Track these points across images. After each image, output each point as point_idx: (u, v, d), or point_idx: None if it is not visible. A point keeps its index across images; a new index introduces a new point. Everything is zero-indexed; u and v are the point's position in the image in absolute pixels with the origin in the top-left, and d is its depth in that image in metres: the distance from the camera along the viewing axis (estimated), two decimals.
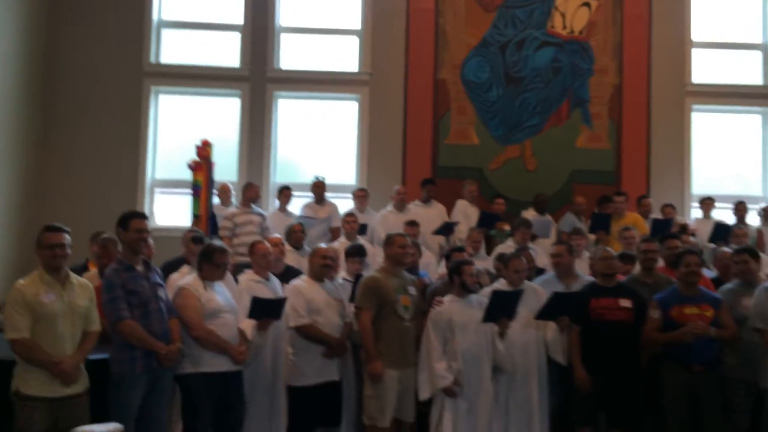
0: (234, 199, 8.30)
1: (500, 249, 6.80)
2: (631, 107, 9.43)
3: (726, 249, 6.15)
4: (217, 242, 5.09)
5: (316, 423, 4.97)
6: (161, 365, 4.32)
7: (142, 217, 4.52)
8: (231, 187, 8.29)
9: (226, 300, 4.79)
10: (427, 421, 5.05)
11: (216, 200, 7.81)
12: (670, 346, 4.81)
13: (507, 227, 7.77)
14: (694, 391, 4.71)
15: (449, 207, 8.42)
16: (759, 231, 7.56)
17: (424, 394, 4.88)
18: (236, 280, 5.38)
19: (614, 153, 9.36)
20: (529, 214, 8.18)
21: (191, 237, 5.52)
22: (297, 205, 8.29)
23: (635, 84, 9.44)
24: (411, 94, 9.36)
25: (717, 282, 5.71)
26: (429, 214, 8.09)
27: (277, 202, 8.33)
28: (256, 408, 5.01)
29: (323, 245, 5.37)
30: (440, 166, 9.26)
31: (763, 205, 8.48)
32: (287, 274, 5.55)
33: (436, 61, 9.39)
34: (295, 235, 6.63)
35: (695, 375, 4.70)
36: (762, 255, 6.00)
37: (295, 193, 8.39)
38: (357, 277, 5.31)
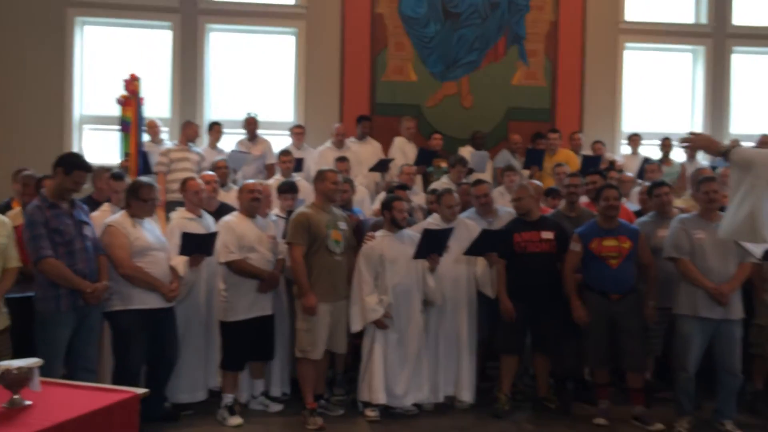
0: (165, 136, 8.10)
1: (435, 186, 6.88)
2: (567, 44, 9.51)
3: (646, 183, 6.37)
4: (143, 178, 5.00)
5: (249, 357, 5.05)
6: (87, 303, 4.27)
7: (87, 170, 4.40)
8: (159, 123, 8.06)
9: (156, 237, 4.74)
10: (359, 352, 5.19)
11: (146, 137, 7.62)
12: (589, 276, 5.01)
13: (444, 164, 7.86)
14: (612, 317, 4.94)
15: (388, 144, 8.43)
16: (683, 166, 7.83)
17: (355, 327, 5.00)
18: (168, 218, 5.32)
19: (549, 90, 9.47)
20: (466, 151, 8.27)
21: (111, 174, 5.39)
22: (231, 142, 8.14)
23: (571, 21, 9.51)
24: (348, 28, 9.21)
25: (639, 215, 5.94)
26: (365, 151, 8.10)
27: (207, 139, 8.17)
28: (191, 344, 5.04)
29: (252, 181, 5.34)
30: (378, 103, 9.21)
31: None
32: (221, 212, 5.50)
33: None
34: (219, 171, 6.53)
35: (614, 302, 4.93)
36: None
37: (230, 130, 8.25)
38: (289, 213, 5.31)
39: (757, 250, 3.35)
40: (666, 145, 8.28)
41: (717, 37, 9.82)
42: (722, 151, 2.43)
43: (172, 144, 7.62)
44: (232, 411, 4.89)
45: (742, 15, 9.92)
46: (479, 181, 5.80)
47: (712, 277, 4.70)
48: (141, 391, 2.97)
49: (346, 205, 5.77)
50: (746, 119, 9.89)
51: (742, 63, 10.00)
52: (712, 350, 4.79)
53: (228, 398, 4.93)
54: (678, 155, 8.36)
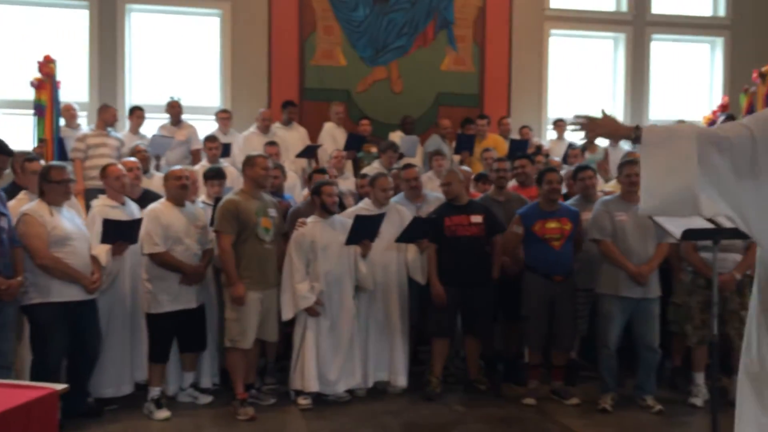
0: (82, 121, 7.77)
1: (366, 171, 6.86)
2: (494, 30, 9.61)
3: (571, 167, 6.53)
4: (53, 162, 4.77)
5: (180, 348, 4.93)
6: (1, 299, 4.06)
7: (8, 154, 4.19)
8: (76, 107, 7.72)
9: (75, 226, 4.54)
10: (290, 340, 5.14)
11: (62, 122, 7.29)
12: (532, 258, 5.10)
13: (374, 149, 7.84)
14: (552, 299, 5.05)
15: (317, 129, 8.34)
16: (606, 150, 8.06)
17: (287, 315, 4.94)
18: (89, 206, 5.11)
19: (478, 76, 9.56)
20: (396, 136, 8.27)
21: (25, 158, 5.12)
22: (153, 127, 7.88)
23: (498, 7, 9.61)
24: (275, 11, 9.04)
25: (566, 198, 6.08)
26: (291, 137, 8.00)
27: (128, 124, 7.89)
28: (115, 337, 4.86)
29: (178, 167, 5.18)
30: (307, 88, 9.10)
31: None
32: (145, 199, 5.32)
33: None
34: (139, 156, 6.27)
35: (555, 284, 5.04)
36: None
37: (152, 115, 7.98)
38: (216, 200, 5.18)
39: (676, 230, 3.46)
40: None
41: (637, 25, 10.13)
42: (630, 135, 2.43)
43: (89, 129, 7.30)
44: (159, 404, 4.76)
45: (661, 4, 10.25)
46: (409, 165, 5.82)
47: (632, 257, 4.87)
48: (60, 386, 2.83)
49: (277, 192, 5.68)
50: (664, 105, 10.25)
51: (661, 50, 10.34)
52: (631, 327, 4.97)
53: (154, 391, 4.79)
54: (603, 140, 8.60)
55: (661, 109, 10.16)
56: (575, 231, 5.13)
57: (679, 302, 5.23)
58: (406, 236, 5.08)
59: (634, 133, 2.39)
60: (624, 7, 10.14)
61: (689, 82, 10.50)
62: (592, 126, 2.48)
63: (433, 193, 5.85)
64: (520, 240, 5.16)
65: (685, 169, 2.20)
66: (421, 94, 9.39)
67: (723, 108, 9.06)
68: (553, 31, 9.90)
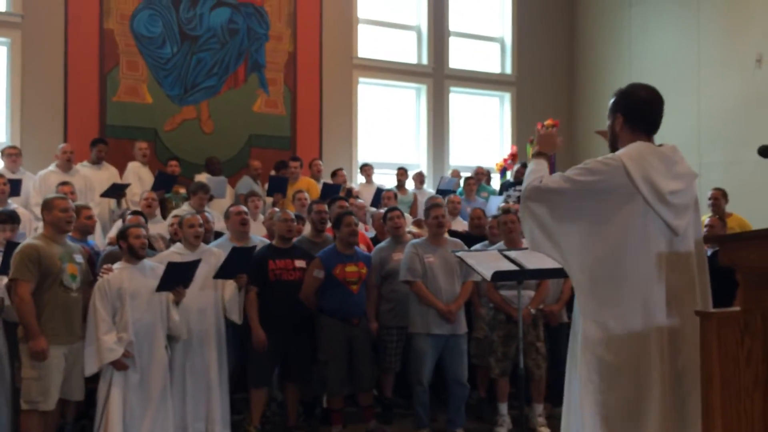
0: None
1: (176, 213, 6.60)
2: (305, 75, 9.82)
3: (381, 211, 6.79)
4: None
5: None
6: None
7: None
8: None
9: None
10: (92, 396, 4.74)
11: None
12: (329, 302, 5.18)
13: (183, 190, 7.59)
14: (350, 340, 5.16)
15: (121, 168, 7.91)
16: (414, 194, 8.51)
17: (90, 369, 4.53)
18: None
19: (290, 119, 9.68)
20: (202, 177, 8.08)
21: None
22: None
23: (308, 53, 9.85)
24: (72, 42, 8.49)
25: (375, 240, 6.30)
26: (99, 177, 7.52)
27: None
28: None
29: None
30: (109, 125, 8.61)
31: (417, 171, 9.56)
32: None
33: (101, 8, 8.64)
34: None
35: (352, 326, 5.16)
36: (408, 216, 6.80)
37: None
38: (8, 245, 4.69)
39: (486, 272, 3.76)
40: (401, 174, 8.91)
41: (436, 77, 10.89)
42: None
43: None
44: None
45: (457, 59, 11.13)
46: (235, 204, 5.70)
47: (440, 296, 5.16)
48: None
49: (84, 237, 5.28)
50: (463, 151, 11.07)
51: (459, 102, 11.20)
52: (442, 363, 5.23)
53: None
54: (411, 185, 9.06)
55: (460, 155, 10.96)
56: (369, 275, 5.33)
57: (481, 336, 5.61)
58: (225, 271, 4.92)
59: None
60: (425, 60, 10.86)
61: (484, 132, 11.45)
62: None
63: (256, 236, 5.76)
64: (319, 283, 5.17)
65: (522, 211, 2.62)
66: (233, 135, 9.29)
67: (513, 156, 9.99)
68: (361, 79, 10.33)
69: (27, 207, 6.66)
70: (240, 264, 4.95)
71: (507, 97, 11.51)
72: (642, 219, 2.45)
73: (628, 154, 2.51)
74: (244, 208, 5.68)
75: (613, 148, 2.66)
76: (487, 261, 3.88)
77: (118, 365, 4.55)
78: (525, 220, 2.60)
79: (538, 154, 2.76)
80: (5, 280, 4.49)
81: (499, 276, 3.85)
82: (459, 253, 4.87)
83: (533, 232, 2.57)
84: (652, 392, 2.40)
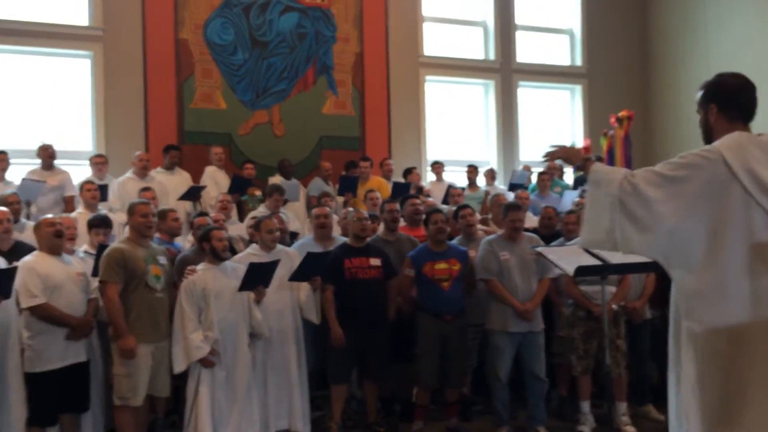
0: None
1: (253, 214, 6.76)
2: (372, 76, 9.88)
3: (452, 207, 6.77)
4: None
5: (62, 410, 4.56)
6: None
7: None
8: None
9: None
10: (180, 393, 4.91)
11: None
12: (423, 299, 5.19)
13: (258, 192, 7.75)
14: (443, 337, 5.15)
15: (198, 173, 8.15)
16: (486, 191, 8.43)
17: (179, 367, 4.69)
18: None
19: (359, 119, 9.76)
20: (276, 180, 8.24)
21: None
22: (18, 174, 7.36)
23: (375, 53, 9.91)
24: (150, 53, 8.81)
25: (450, 238, 6.27)
26: (173, 182, 7.76)
27: None
28: None
29: (50, 215, 4.86)
30: (187, 131, 8.90)
31: (488, 168, 9.49)
32: (16, 251, 4.94)
33: (176, 19, 8.93)
34: (12, 207, 5.85)
35: (446, 323, 5.14)
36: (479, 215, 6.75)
37: (17, 161, 7.47)
38: (100, 248, 4.91)
39: (569, 267, 3.69)
40: (471, 171, 8.86)
41: (504, 72, 10.77)
42: (579, 163, 2.70)
43: None
44: None
45: (525, 53, 10.98)
46: (319, 204, 5.79)
47: (517, 293, 5.11)
48: None
49: (172, 239, 5.48)
50: (533, 147, 10.90)
51: (527, 96, 11.04)
52: (520, 359, 5.18)
53: None
54: (481, 181, 8.99)
55: (530, 151, 10.80)
56: (464, 271, 5.29)
57: (563, 335, 5.52)
58: (300, 274, 5.01)
59: (581, 163, 2.67)
60: (492, 56, 10.75)
61: (554, 126, 11.25)
62: (558, 151, 2.76)
63: (341, 237, 5.84)
64: (411, 282, 5.26)
65: (607, 211, 2.43)
66: (304, 137, 9.44)
67: (586, 150, 9.76)
68: (428, 77, 10.31)
69: (111, 211, 6.93)
70: (314, 268, 5.04)
71: (578, 89, 11.28)
72: (744, 211, 2.34)
73: (727, 144, 2.40)
74: (325, 210, 5.74)
75: (707, 141, 2.56)
76: (568, 256, 3.82)
77: (205, 363, 4.70)
78: (615, 222, 2.46)
79: (585, 164, 2.65)
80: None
81: (583, 271, 3.77)
82: (539, 249, 4.80)
83: (626, 231, 2.41)
84: (757, 388, 2.30)
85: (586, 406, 5.28)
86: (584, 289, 5.19)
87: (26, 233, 5.60)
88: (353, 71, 9.81)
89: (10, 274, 4.32)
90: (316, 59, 9.61)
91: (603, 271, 3.79)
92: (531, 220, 6.96)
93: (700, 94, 2.59)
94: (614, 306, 5.14)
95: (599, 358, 5.19)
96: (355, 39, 9.82)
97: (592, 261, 3.68)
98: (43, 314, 4.43)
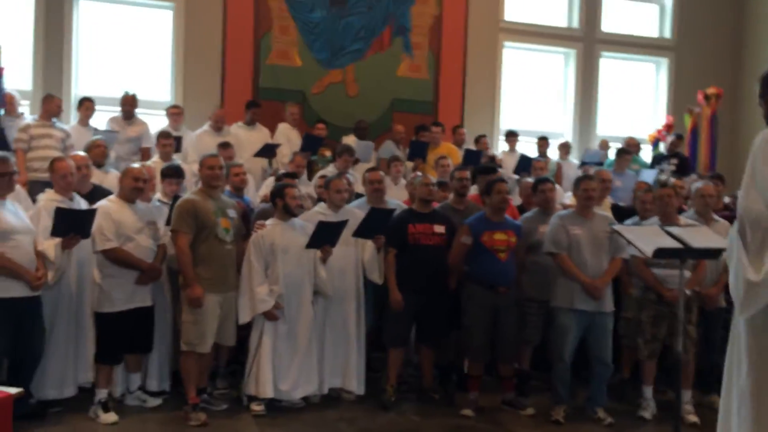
0: (24, 109, 7.42)
1: (322, 173, 6.78)
2: (450, 39, 9.68)
3: (529, 179, 6.61)
4: None
5: (126, 350, 4.74)
6: None
7: None
8: (17, 95, 7.35)
9: (20, 220, 4.34)
10: (242, 343, 5.02)
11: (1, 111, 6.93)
12: (477, 269, 5.10)
13: (328, 153, 7.76)
14: (495, 309, 5.07)
15: (270, 129, 8.21)
16: (558, 164, 8.21)
17: (244, 318, 4.82)
18: (34, 199, 4.89)
19: (433, 83, 9.61)
20: (350, 140, 8.22)
21: None
22: (101, 120, 7.60)
23: (454, 16, 9.68)
24: (230, 8, 8.86)
25: (520, 209, 6.16)
26: (251, 137, 7.83)
27: (76, 116, 7.58)
28: (59, 336, 4.66)
29: (136, 165, 4.99)
30: (261, 87, 8.95)
31: (562, 140, 9.22)
32: (95, 194, 5.12)
33: None
34: (97, 150, 6.06)
35: (498, 295, 5.05)
36: (558, 187, 6.56)
37: (101, 107, 7.70)
38: (174, 198, 5.02)
39: (646, 248, 3.54)
40: (542, 144, 8.63)
41: (587, 42, 10.38)
42: None
43: (32, 119, 6.98)
44: (106, 407, 4.58)
45: (611, 22, 10.54)
46: (374, 168, 5.77)
47: (586, 270, 4.94)
48: (14, 390, 2.69)
49: (239, 192, 5.56)
50: (612, 120, 10.54)
51: (610, 67, 10.63)
52: (585, 341, 5.05)
53: (102, 393, 4.61)
54: (553, 153, 8.76)
55: (609, 125, 10.45)
56: (520, 243, 5.18)
57: (629, 316, 5.36)
58: (363, 230, 5.00)
59: None
60: (575, 24, 10.38)
61: (636, 100, 10.83)
62: None
63: (394, 200, 5.82)
64: (467, 250, 5.12)
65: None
66: (376, 98, 9.37)
67: (668, 128, 9.38)
68: (506, 43, 10.05)
69: (186, 163, 7.07)
70: (378, 225, 5.01)
71: (664, 62, 10.78)
72: None
73: None
74: (379, 175, 5.70)
75: None
76: (647, 236, 3.65)
77: (270, 316, 4.80)
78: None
79: None
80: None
81: (661, 253, 3.60)
82: (616, 227, 4.62)
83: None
84: None
85: (648, 391, 5.14)
86: (656, 272, 5.01)
87: (110, 179, 5.80)
88: (430, 34, 9.63)
89: (90, 215, 4.47)
90: (393, 20, 9.48)
91: (683, 254, 3.61)
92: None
93: (758, 85, 2.45)
94: (688, 291, 4.93)
95: (666, 343, 5.05)
96: (434, 1, 9.62)
97: (672, 243, 3.51)
98: (115, 257, 4.58)
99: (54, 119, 6.80)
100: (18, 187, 4.75)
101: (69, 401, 4.73)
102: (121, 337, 4.64)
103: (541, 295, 5.25)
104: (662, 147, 9.25)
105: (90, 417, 4.58)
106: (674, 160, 8.35)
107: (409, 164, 7.91)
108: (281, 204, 4.94)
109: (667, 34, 10.77)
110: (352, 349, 5.19)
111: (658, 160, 8.63)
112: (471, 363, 5.25)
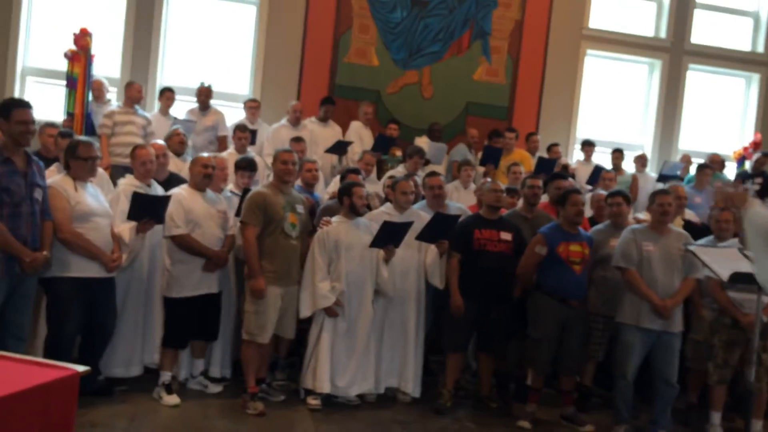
0: (111, 96, 7.74)
1: (391, 173, 6.80)
2: (530, 45, 9.53)
3: (602, 191, 6.43)
4: (81, 137, 4.74)
5: (192, 335, 4.88)
6: (24, 271, 4.01)
7: (26, 106, 4.02)
8: (106, 82, 7.67)
9: (99, 203, 4.51)
10: (302, 337, 5.08)
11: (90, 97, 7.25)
12: (549, 281, 4.99)
13: (399, 153, 7.78)
14: (564, 321, 4.96)
15: (344, 127, 8.29)
16: (634, 177, 7.97)
17: (305, 312, 4.88)
18: (115, 183, 5.10)
19: (509, 89, 9.49)
20: (422, 141, 8.21)
21: (59, 132, 5.11)
22: (182, 109, 7.85)
23: (536, 22, 9.53)
24: (313, 4, 8.98)
25: (592, 222, 6.00)
26: (325, 134, 7.94)
27: (158, 104, 7.85)
28: (129, 317, 4.84)
29: (206, 154, 5.12)
30: (337, 85, 9.04)
31: (639, 152, 8.94)
32: (171, 182, 5.30)
33: None
34: (176, 138, 6.28)
35: (569, 308, 4.94)
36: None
37: (182, 98, 7.95)
38: (245, 191, 5.13)
39: (723, 272, 3.38)
40: (616, 156, 8.38)
41: (674, 53, 10.03)
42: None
43: (116, 105, 7.27)
44: (169, 389, 4.73)
45: (700, 34, 10.15)
46: (433, 173, 5.75)
47: (656, 288, 4.76)
48: (81, 368, 2.78)
49: (310, 188, 5.64)
50: (695, 135, 10.15)
51: (696, 80, 10.23)
52: (651, 360, 4.87)
53: (166, 376, 4.76)
54: (629, 166, 8.50)
55: (692, 140, 10.06)
56: (592, 257, 5.06)
57: (699, 339, 5.15)
58: (426, 234, 4.98)
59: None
60: (663, 34, 10.03)
61: (723, 115, 10.38)
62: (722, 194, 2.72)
63: (456, 204, 5.77)
64: (540, 260, 5.02)
65: None
66: (451, 101, 9.32)
67: (755, 145, 8.96)
68: (589, 51, 9.81)
69: (260, 156, 7.22)
70: (442, 230, 4.98)
71: (755, 78, 10.30)
72: None
73: None
74: (439, 180, 5.64)
75: None
76: (723, 258, 3.49)
77: (330, 312, 4.84)
78: None
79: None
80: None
81: (738, 278, 3.43)
82: (692, 247, 4.43)
83: None
84: None
85: (716, 417, 4.92)
86: (731, 296, 4.78)
87: (186, 166, 5.97)
88: (510, 38, 9.50)
89: (165, 201, 4.62)
90: (473, 23, 9.41)
91: None
92: (687, 215, 6.48)
93: None
94: (764, 318, 4.69)
95: (738, 369, 4.82)
96: (517, 5, 9.49)
97: (750, 268, 3.35)
98: (184, 244, 4.72)
99: (136, 106, 7.07)
100: (101, 170, 4.95)
101: (134, 381, 4.90)
102: (188, 322, 4.77)
103: (608, 310, 5.10)
104: (748, 165, 8.84)
105: (153, 398, 4.73)
106: (759, 179, 7.96)
107: (480, 169, 7.84)
108: (348, 202, 4.97)
109: (761, 48, 10.29)
110: (410, 350, 5.18)
111: (742, 177, 8.25)
112: (534, 376, 5.15)
